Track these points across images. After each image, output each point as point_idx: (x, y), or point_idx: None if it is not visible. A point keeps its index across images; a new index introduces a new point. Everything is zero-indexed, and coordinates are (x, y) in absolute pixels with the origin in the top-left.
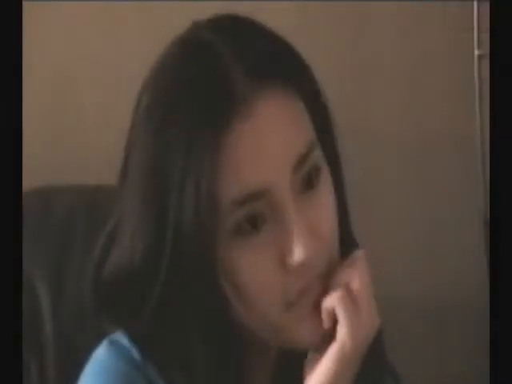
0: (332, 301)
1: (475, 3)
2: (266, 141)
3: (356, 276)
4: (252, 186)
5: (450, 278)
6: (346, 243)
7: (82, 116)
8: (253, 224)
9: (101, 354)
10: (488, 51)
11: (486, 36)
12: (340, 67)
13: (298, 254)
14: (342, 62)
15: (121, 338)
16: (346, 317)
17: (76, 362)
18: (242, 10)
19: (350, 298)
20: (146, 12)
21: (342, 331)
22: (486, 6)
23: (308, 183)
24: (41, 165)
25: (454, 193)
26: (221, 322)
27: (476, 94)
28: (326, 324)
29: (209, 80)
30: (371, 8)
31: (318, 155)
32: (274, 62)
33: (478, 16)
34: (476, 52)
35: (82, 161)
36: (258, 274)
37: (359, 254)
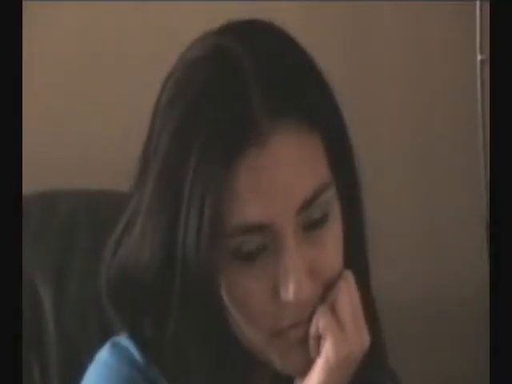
0: (316, 322)
1: (477, 8)
2: (275, 177)
3: (340, 295)
4: (255, 218)
5: (451, 278)
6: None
7: (82, 116)
8: (252, 251)
9: (104, 357)
10: None
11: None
12: (339, 67)
13: (290, 291)
14: (342, 63)
15: (124, 340)
16: (328, 331)
17: (78, 363)
18: (245, 9)
19: (335, 316)
20: (146, 12)
21: (325, 345)
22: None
23: (313, 222)
24: (40, 165)
25: (455, 195)
26: (221, 329)
27: (478, 99)
28: (313, 352)
29: (231, 101)
30: (372, 9)
31: (328, 195)
32: (298, 97)
33: (481, 21)
34: (478, 57)
35: (82, 161)
36: (250, 300)
37: (345, 274)
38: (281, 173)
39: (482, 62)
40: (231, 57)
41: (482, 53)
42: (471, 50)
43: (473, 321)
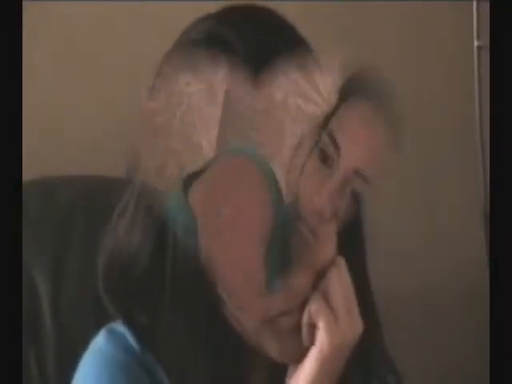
0: (308, 309)
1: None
2: None
3: (332, 282)
4: None
5: (451, 278)
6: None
7: (82, 116)
8: None
9: (99, 343)
10: (487, 42)
11: (486, 27)
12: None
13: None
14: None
15: (119, 326)
16: (321, 319)
17: (76, 358)
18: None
19: (327, 303)
20: (146, 12)
21: (319, 335)
22: None
23: None
24: (40, 165)
25: (454, 187)
26: (213, 317)
27: (475, 86)
28: (306, 341)
29: None
30: (372, 9)
31: None
32: None
33: (478, 7)
34: (475, 43)
35: (82, 162)
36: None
37: (337, 260)
38: None
39: (479, 48)
40: (224, 42)
41: (479, 39)
42: (468, 36)
43: (473, 316)
